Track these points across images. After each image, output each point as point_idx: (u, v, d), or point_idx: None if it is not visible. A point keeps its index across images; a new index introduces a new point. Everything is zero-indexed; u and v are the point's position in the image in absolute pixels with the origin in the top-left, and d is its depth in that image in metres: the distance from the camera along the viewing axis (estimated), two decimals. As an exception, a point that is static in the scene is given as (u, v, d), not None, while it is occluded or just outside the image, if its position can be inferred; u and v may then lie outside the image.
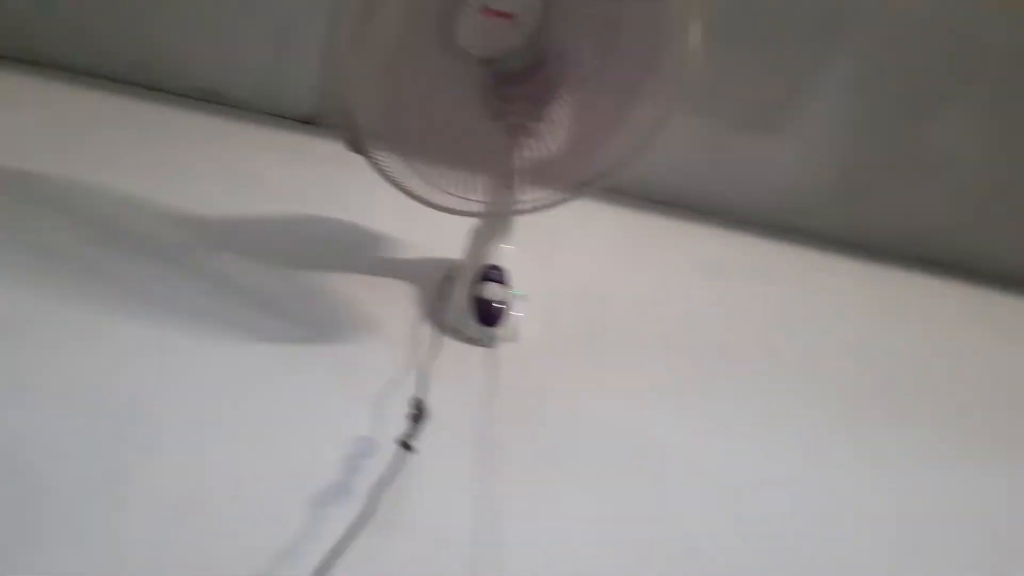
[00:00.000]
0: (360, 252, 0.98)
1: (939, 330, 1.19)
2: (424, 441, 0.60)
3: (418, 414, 0.61)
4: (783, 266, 1.29)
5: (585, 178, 0.86)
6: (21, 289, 0.71)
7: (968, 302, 1.34)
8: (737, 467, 0.71)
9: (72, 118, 1.17)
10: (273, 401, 0.65)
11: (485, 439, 0.65)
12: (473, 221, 0.90)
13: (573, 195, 0.85)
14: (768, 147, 1.36)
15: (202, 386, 0.65)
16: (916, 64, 1.29)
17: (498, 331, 0.81)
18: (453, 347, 0.79)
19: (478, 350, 0.80)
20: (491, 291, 0.83)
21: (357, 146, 0.84)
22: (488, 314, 0.81)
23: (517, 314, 0.83)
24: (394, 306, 0.85)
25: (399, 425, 0.61)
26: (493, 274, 0.84)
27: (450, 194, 0.82)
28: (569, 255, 1.11)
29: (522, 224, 0.87)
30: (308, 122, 1.40)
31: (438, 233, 0.95)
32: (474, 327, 0.81)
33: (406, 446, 0.58)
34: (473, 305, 0.82)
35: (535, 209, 0.85)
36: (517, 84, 0.78)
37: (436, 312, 0.85)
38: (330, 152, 1.29)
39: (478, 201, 0.83)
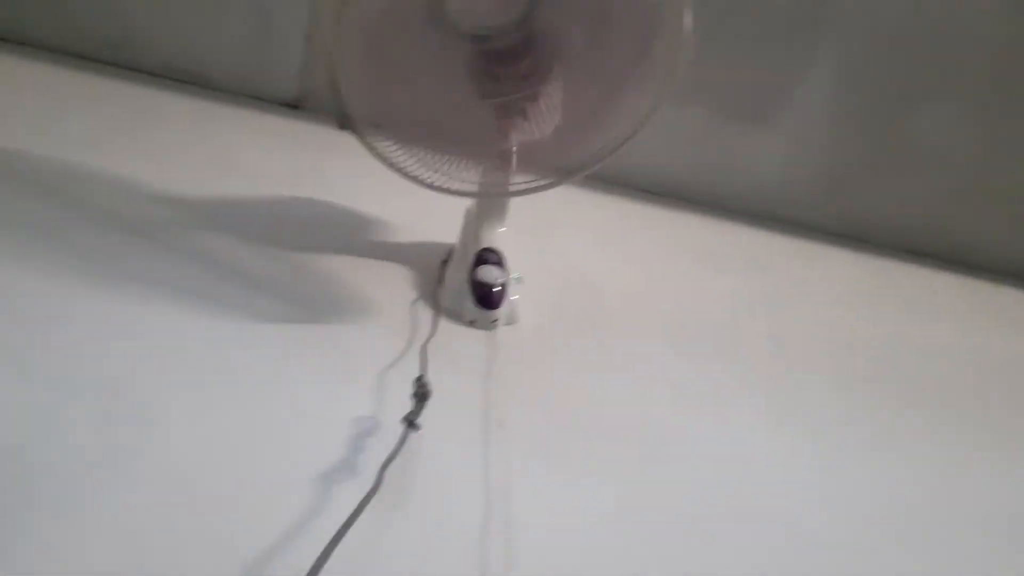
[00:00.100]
0: (352, 235, 0.96)
1: (924, 318, 1.20)
2: (427, 420, 0.58)
3: (421, 393, 0.60)
4: (772, 255, 1.30)
5: (576, 162, 0.85)
6: (12, 268, 0.68)
7: (953, 291, 1.36)
8: (732, 448, 0.71)
9: (52, 97, 1.14)
10: (271, 381, 0.63)
11: (488, 419, 0.64)
12: (467, 203, 0.89)
13: (565, 178, 0.84)
14: (758, 138, 1.37)
15: (199, 366, 0.63)
16: (904, 56, 1.30)
17: (497, 314, 0.80)
18: (451, 330, 0.78)
19: (477, 333, 0.79)
20: (488, 274, 0.81)
21: (347, 125, 0.82)
22: (486, 297, 0.80)
23: (515, 297, 0.82)
24: (390, 289, 0.84)
25: (400, 406, 0.60)
26: (489, 257, 0.83)
27: (443, 174, 0.80)
28: (562, 241, 1.11)
29: (516, 209, 0.86)
30: (292, 106, 1.37)
31: (429, 217, 0.94)
32: (472, 310, 0.80)
33: (411, 424, 0.56)
34: (471, 288, 0.80)
35: (528, 191, 0.84)
36: (507, 63, 0.77)
37: (433, 295, 0.83)
38: (315, 137, 1.28)
39: (471, 182, 0.81)
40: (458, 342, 0.76)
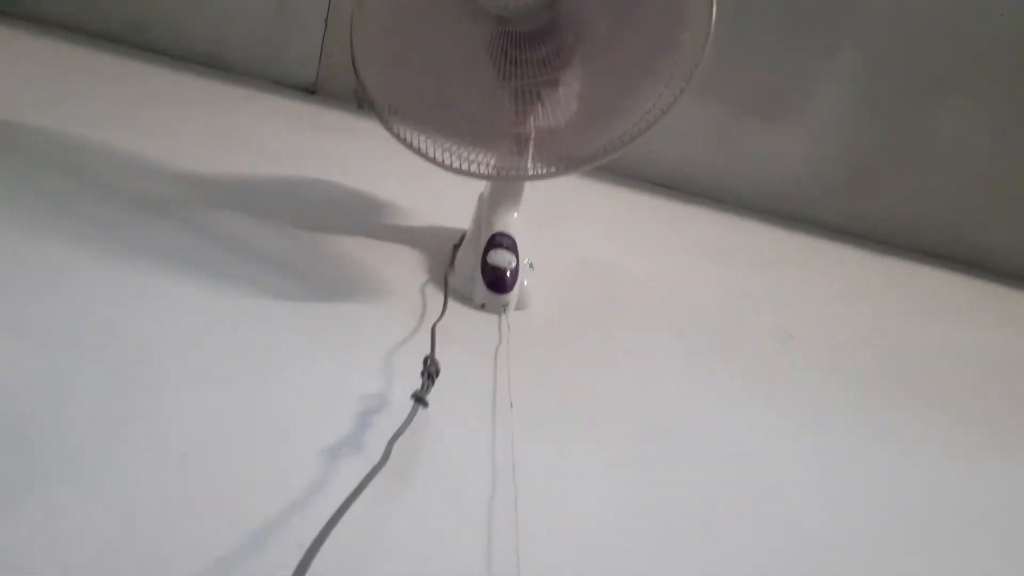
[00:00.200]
0: (365, 217, 0.96)
1: (933, 318, 1.19)
2: (436, 399, 0.58)
3: (431, 371, 0.60)
4: (784, 251, 1.29)
5: (593, 151, 0.85)
6: (31, 241, 0.68)
7: (965, 292, 1.34)
8: (737, 439, 0.71)
9: (74, 77, 1.14)
10: (281, 355, 0.63)
11: (497, 400, 0.64)
12: (480, 189, 0.89)
13: (580, 166, 0.84)
14: (775, 134, 1.36)
15: (210, 338, 0.63)
16: (924, 52, 1.29)
17: (507, 298, 0.80)
18: (462, 312, 0.78)
19: (487, 316, 0.78)
20: (500, 257, 0.81)
21: (365, 104, 0.82)
22: (498, 281, 0.80)
23: (526, 283, 0.82)
24: (401, 271, 0.84)
25: (409, 385, 0.59)
26: (502, 241, 0.83)
27: (459, 156, 0.80)
28: (576, 231, 1.10)
29: (529, 197, 0.85)
30: (310, 91, 1.38)
31: (442, 202, 0.94)
32: (483, 293, 0.79)
33: (420, 401, 0.56)
34: (482, 271, 0.80)
35: (544, 176, 0.83)
36: (528, 47, 0.77)
37: (444, 278, 0.83)
38: (331, 121, 1.28)
39: (487, 164, 0.81)
40: (468, 324, 0.76)
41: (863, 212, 1.41)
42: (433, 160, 0.79)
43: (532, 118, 0.80)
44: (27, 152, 0.86)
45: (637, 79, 0.79)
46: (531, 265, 0.83)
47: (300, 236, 0.85)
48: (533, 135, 0.81)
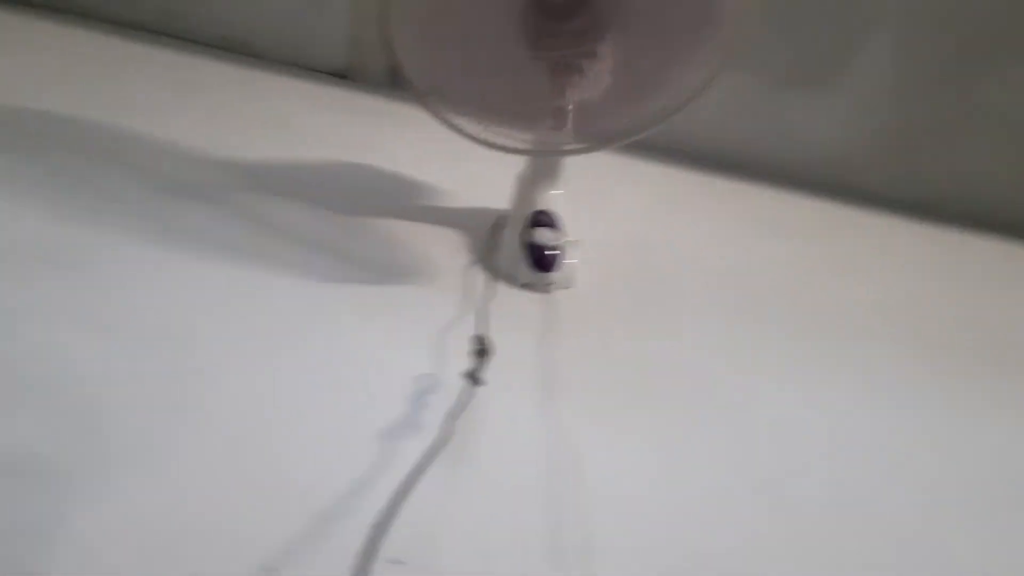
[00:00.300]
0: (404, 200, 0.95)
1: (990, 290, 1.15)
2: (489, 377, 0.58)
3: (482, 349, 0.60)
4: (830, 223, 1.26)
5: (632, 125, 0.83)
6: (83, 230, 0.70)
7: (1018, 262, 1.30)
8: (787, 410, 0.69)
9: (108, 65, 1.15)
10: (332, 338, 0.64)
11: (549, 377, 0.64)
12: (519, 167, 0.88)
13: (620, 140, 0.82)
14: (817, 104, 1.32)
15: (262, 323, 0.63)
16: (970, 17, 1.24)
17: (552, 276, 0.79)
18: (507, 292, 0.77)
19: (533, 295, 0.78)
20: (543, 236, 0.80)
21: (401, 82, 0.81)
22: (542, 260, 0.79)
23: (571, 260, 0.81)
24: (445, 252, 0.83)
25: (460, 364, 0.59)
26: (544, 219, 0.82)
27: (497, 132, 0.79)
28: (617, 206, 1.08)
29: (570, 172, 0.84)
30: (341, 76, 1.37)
31: (479, 184, 0.93)
32: (528, 272, 0.79)
33: (473, 379, 0.56)
34: (526, 251, 0.79)
35: (582, 150, 0.82)
36: (563, 19, 0.75)
37: (488, 258, 0.83)
38: (364, 105, 1.27)
39: (525, 139, 0.80)
40: (514, 304, 0.75)
41: (913, 181, 1.37)
42: (472, 137, 0.78)
43: (571, 90, 0.79)
44: (66, 143, 0.87)
45: (678, 50, 0.78)
46: (575, 243, 0.82)
47: (342, 220, 0.85)
48: (572, 108, 0.79)
